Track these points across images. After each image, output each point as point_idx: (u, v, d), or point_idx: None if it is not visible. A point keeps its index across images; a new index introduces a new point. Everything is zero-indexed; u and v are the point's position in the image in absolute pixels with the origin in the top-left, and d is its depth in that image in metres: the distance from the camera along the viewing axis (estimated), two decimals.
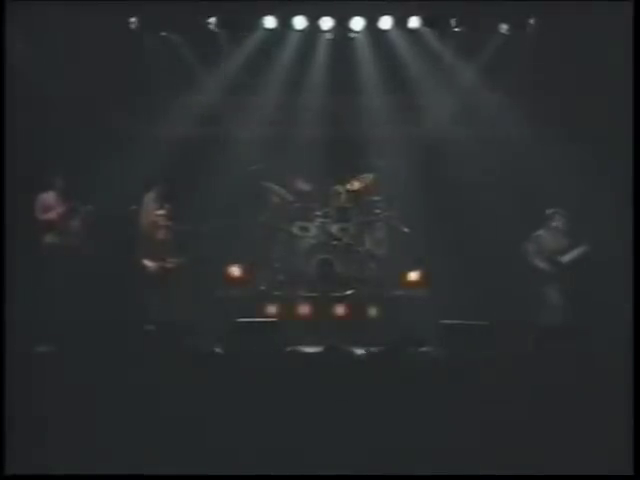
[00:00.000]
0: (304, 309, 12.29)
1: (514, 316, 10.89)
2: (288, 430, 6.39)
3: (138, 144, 12.27)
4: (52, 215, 11.18)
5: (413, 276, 12.79)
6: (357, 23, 12.38)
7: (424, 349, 7.66)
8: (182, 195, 12.02)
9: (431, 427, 6.42)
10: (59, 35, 11.61)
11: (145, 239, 11.48)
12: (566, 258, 11.32)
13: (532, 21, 12.14)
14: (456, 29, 12.29)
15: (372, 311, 12.24)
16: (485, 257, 12.36)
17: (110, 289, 11.29)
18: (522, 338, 8.77)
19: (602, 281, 11.44)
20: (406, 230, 12.69)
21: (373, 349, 7.37)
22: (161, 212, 11.53)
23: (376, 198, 12.97)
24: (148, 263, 11.33)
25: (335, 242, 12.78)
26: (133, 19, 12.01)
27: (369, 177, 13.06)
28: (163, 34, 12.33)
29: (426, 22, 12.36)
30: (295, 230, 12.90)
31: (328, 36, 12.62)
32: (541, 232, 11.48)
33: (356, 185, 13.12)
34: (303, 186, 13.10)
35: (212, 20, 12.19)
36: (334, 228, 12.86)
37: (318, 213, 12.95)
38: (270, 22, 12.33)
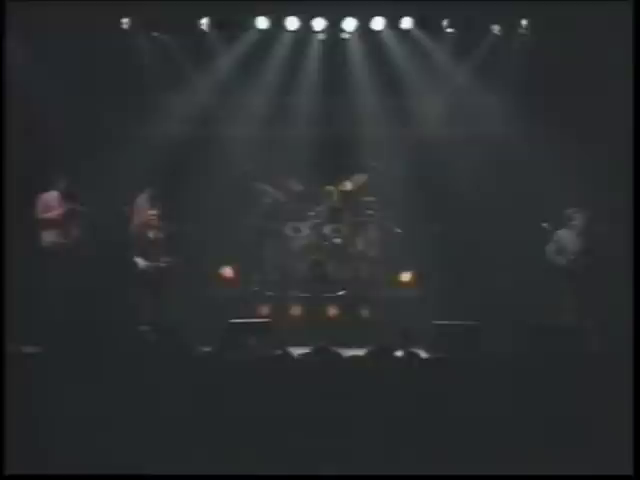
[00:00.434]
0: (296, 310, 12.34)
1: (506, 316, 10.96)
2: (281, 430, 6.42)
3: (130, 145, 12.27)
4: (53, 215, 11.19)
5: (405, 277, 12.83)
6: (349, 24, 12.41)
7: (415, 349, 7.69)
8: (174, 196, 12.04)
9: (422, 426, 6.45)
10: (51, 35, 11.62)
11: (138, 239, 11.50)
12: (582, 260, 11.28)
13: (524, 22, 12.20)
14: (448, 30, 12.32)
15: (364, 312, 12.29)
16: (477, 257, 12.41)
17: (104, 289, 11.32)
18: (514, 338, 8.83)
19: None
20: (398, 231, 12.74)
21: (365, 349, 7.40)
22: (153, 212, 11.55)
23: (368, 199, 13.01)
24: (141, 262, 11.35)
25: (327, 243, 12.81)
26: (125, 19, 12.02)
27: (362, 178, 13.10)
28: (155, 34, 12.35)
29: (418, 23, 12.39)
30: (287, 230, 12.93)
31: (320, 37, 12.63)
32: (562, 231, 11.43)
33: (348, 186, 13.15)
34: (295, 186, 13.14)
35: (204, 21, 12.21)
36: (326, 229, 12.90)
37: (310, 213, 13.00)
38: (262, 23, 12.35)
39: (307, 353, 7.33)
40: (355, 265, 12.83)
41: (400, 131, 13.05)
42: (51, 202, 11.26)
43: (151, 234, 11.53)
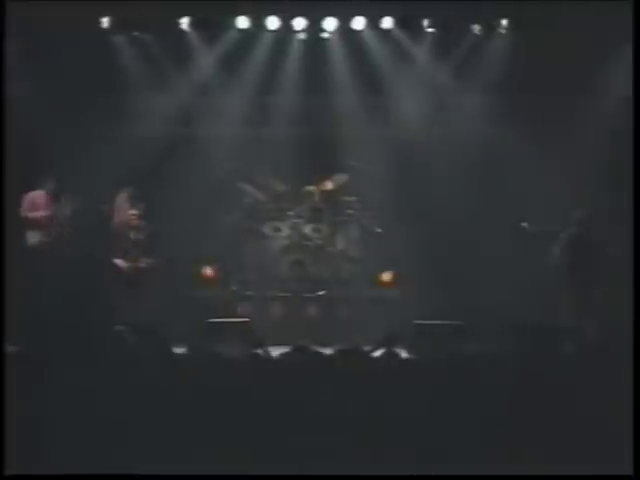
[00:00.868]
0: (276, 309, 12.36)
1: (487, 316, 11.01)
2: (261, 430, 6.43)
3: (110, 144, 12.28)
4: (39, 215, 11.17)
5: (385, 277, 12.86)
6: (330, 24, 12.44)
7: (395, 349, 7.72)
8: (154, 195, 12.05)
9: (403, 427, 6.48)
10: (30, 35, 11.61)
11: (117, 239, 11.50)
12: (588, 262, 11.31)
13: (504, 22, 12.25)
14: (428, 30, 12.36)
15: (344, 311, 12.32)
16: (458, 258, 12.46)
17: (84, 289, 11.30)
18: (495, 338, 8.87)
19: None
20: (379, 231, 12.78)
21: (343, 349, 7.43)
22: (133, 212, 11.55)
23: (349, 198, 13.02)
24: (120, 263, 11.35)
25: (308, 242, 12.83)
26: (105, 19, 12.02)
27: (342, 177, 13.12)
28: (135, 34, 12.35)
29: (399, 23, 12.42)
30: (267, 230, 12.94)
31: (301, 36, 12.66)
32: (567, 232, 11.41)
33: (329, 185, 13.16)
34: (276, 186, 13.15)
35: (184, 20, 12.22)
36: (307, 228, 12.91)
37: (291, 213, 13.00)
38: (243, 22, 12.36)
39: (286, 352, 7.36)
40: (335, 265, 12.85)
41: (380, 131, 13.08)
42: (37, 201, 11.24)
43: (131, 234, 11.53)
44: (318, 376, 6.78)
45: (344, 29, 12.53)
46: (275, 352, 7.69)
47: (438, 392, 6.62)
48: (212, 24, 12.38)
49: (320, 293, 12.54)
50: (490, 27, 12.35)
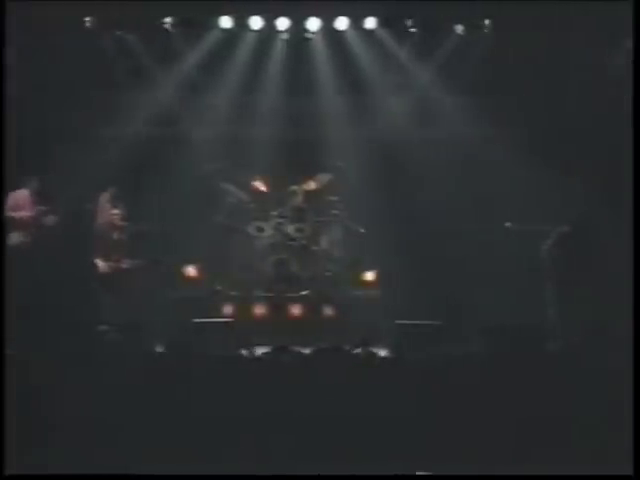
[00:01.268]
0: (260, 309, 12.37)
1: (469, 316, 11.05)
2: (245, 429, 6.47)
3: (94, 143, 12.28)
4: (22, 215, 11.15)
5: (368, 276, 12.89)
6: (313, 24, 12.45)
7: (372, 348, 7.76)
8: (137, 195, 12.05)
9: (385, 426, 6.51)
10: (13, 33, 11.58)
11: (100, 239, 11.49)
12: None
13: (487, 22, 12.29)
14: (412, 30, 12.39)
15: (327, 311, 12.35)
16: (440, 258, 12.51)
17: (65, 289, 11.29)
18: (477, 338, 8.91)
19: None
20: (362, 231, 12.81)
21: (323, 348, 7.46)
22: (116, 212, 11.55)
23: (332, 198, 13.04)
24: (102, 263, 11.34)
25: (291, 242, 12.84)
26: (88, 18, 12.01)
27: (325, 177, 13.14)
28: (118, 33, 12.34)
29: (382, 23, 12.44)
30: (251, 230, 12.95)
31: (284, 36, 12.68)
32: (561, 230, 11.42)
33: (312, 185, 13.17)
34: (259, 186, 13.17)
35: (168, 20, 12.22)
36: (290, 228, 12.92)
37: (274, 213, 13.01)
38: (226, 22, 12.37)
39: (267, 352, 7.40)
40: (319, 265, 12.88)
41: (364, 131, 13.12)
42: (21, 201, 11.22)
43: (114, 234, 11.53)
44: (299, 375, 6.83)
45: (327, 29, 12.52)
46: (258, 351, 7.74)
47: (420, 392, 6.67)
48: (195, 24, 12.38)
49: (303, 293, 12.56)
50: (473, 27, 12.35)
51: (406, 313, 10.99)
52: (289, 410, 6.54)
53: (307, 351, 7.57)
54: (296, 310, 12.31)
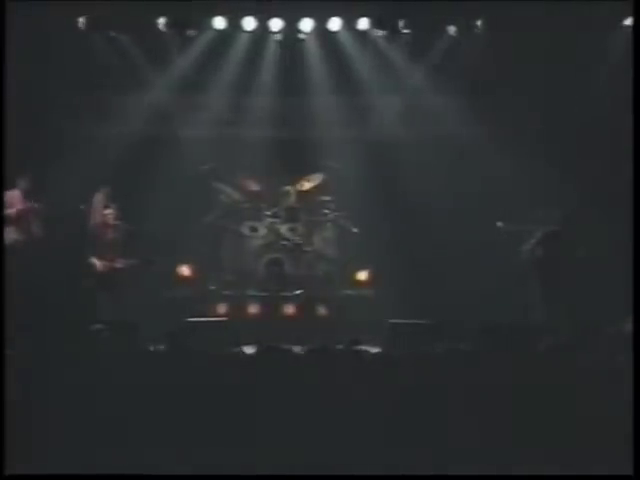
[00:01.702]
0: (253, 308, 12.37)
1: (462, 315, 11.04)
2: (238, 428, 6.45)
3: (87, 144, 12.25)
4: (12, 212, 11.12)
5: (361, 276, 12.90)
6: (306, 24, 12.43)
7: (362, 347, 7.74)
8: (131, 195, 12.02)
9: (379, 425, 6.50)
10: (9, 34, 11.54)
11: (94, 239, 11.46)
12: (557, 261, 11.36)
13: (479, 22, 12.28)
14: (404, 31, 12.36)
15: (321, 310, 12.34)
16: (433, 257, 12.51)
17: (60, 288, 11.27)
18: (469, 336, 8.90)
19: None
20: (355, 230, 12.81)
21: (314, 347, 7.44)
22: (110, 212, 11.52)
23: (325, 198, 13.06)
24: (97, 262, 11.32)
25: (284, 242, 12.84)
26: (81, 19, 11.98)
27: (318, 177, 13.16)
28: (112, 34, 12.30)
29: (375, 24, 12.43)
30: (244, 230, 12.95)
31: (277, 37, 12.64)
32: (542, 231, 11.45)
33: (306, 185, 13.19)
34: (253, 186, 13.17)
35: (161, 20, 12.20)
36: (283, 228, 12.92)
37: (267, 213, 13.01)
38: (219, 23, 12.36)
39: (258, 351, 7.38)
40: (312, 264, 12.88)
41: (357, 131, 13.12)
42: (12, 200, 11.18)
43: (108, 233, 11.50)
44: (291, 374, 6.82)
45: (320, 30, 12.50)
46: (249, 350, 7.72)
47: (412, 390, 6.66)
48: (189, 25, 12.37)
49: (297, 292, 12.55)
50: (466, 28, 12.35)
51: (399, 312, 10.98)
52: (282, 408, 6.53)
53: (300, 350, 7.56)
54: (289, 309, 12.30)
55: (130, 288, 11.43)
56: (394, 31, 12.43)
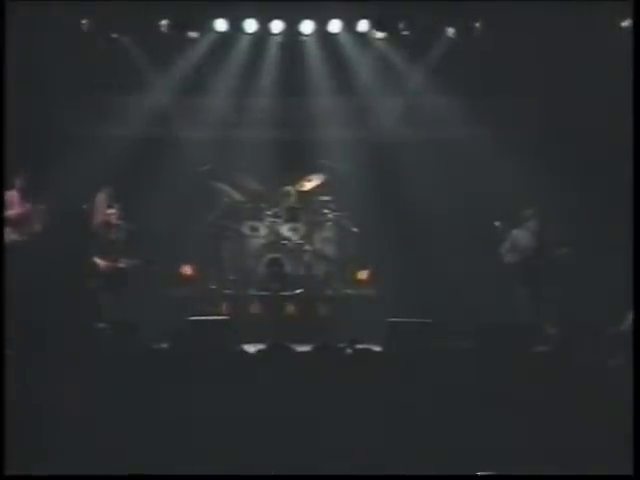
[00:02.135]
0: (254, 308, 12.35)
1: (461, 314, 11.04)
2: (240, 426, 6.43)
3: (89, 144, 12.24)
4: (11, 213, 11.07)
5: (362, 275, 12.87)
6: (307, 26, 12.42)
7: (361, 346, 7.72)
8: (133, 195, 11.99)
9: (379, 424, 6.48)
10: (9, 34, 11.50)
11: (97, 238, 11.44)
12: (539, 260, 11.34)
13: (479, 23, 12.24)
14: (404, 32, 12.33)
15: (321, 309, 12.32)
16: (432, 256, 12.50)
17: (63, 288, 11.25)
18: (469, 335, 8.89)
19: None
20: (355, 230, 12.79)
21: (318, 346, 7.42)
22: (112, 211, 11.49)
23: (325, 198, 13.02)
24: (99, 262, 11.29)
25: (285, 242, 12.81)
26: (84, 20, 11.95)
27: (319, 178, 13.13)
28: (114, 36, 12.29)
29: (374, 25, 12.42)
30: (245, 230, 12.92)
31: (278, 39, 12.64)
32: (516, 230, 11.45)
33: (306, 186, 13.16)
34: (253, 186, 13.15)
35: (163, 22, 12.17)
36: (284, 228, 12.89)
37: (268, 213, 12.98)
38: (221, 25, 12.34)
39: (262, 349, 7.36)
40: (312, 264, 12.85)
41: (357, 132, 13.10)
42: (12, 200, 11.14)
43: (110, 233, 11.48)
44: (293, 373, 6.80)
45: (321, 32, 12.50)
46: (252, 349, 7.70)
47: (413, 389, 6.64)
48: (191, 26, 12.35)
49: (297, 291, 12.53)
50: (465, 29, 12.33)
51: (399, 311, 10.95)
52: (283, 407, 6.51)
53: (302, 349, 7.53)
54: (290, 308, 12.28)
55: (132, 288, 11.40)
56: (394, 33, 12.41)
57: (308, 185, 13.15)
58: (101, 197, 11.55)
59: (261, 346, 7.47)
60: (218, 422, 6.45)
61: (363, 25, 12.39)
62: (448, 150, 12.64)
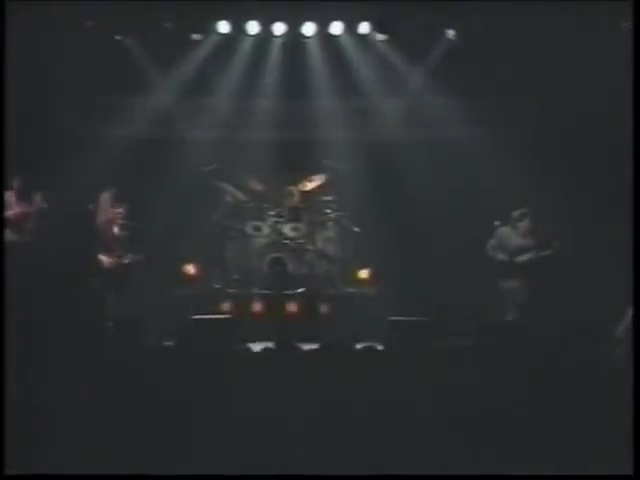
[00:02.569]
0: (257, 306, 12.31)
1: (462, 313, 11.01)
2: (241, 426, 6.39)
3: (94, 144, 12.22)
4: (8, 214, 11.02)
5: (363, 274, 12.86)
6: (309, 28, 12.40)
7: (362, 345, 7.69)
8: (137, 195, 11.96)
9: (380, 424, 6.45)
10: (14, 34, 11.45)
11: (101, 237, 11.40)
12: (523, 258, 11.30)
13: (479, 25, 12.19)
14: (404, 33, 12.31)
15: (323, 308, 12.29)
16: (433, 255, 12.47)
17: (66, 287, 11.22)
18: (469, 334, 8.86)
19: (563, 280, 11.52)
20: (356, 229, 12.77)
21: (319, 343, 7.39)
22: (117, 211, 11.45)
23: (327, 198, 13.00)
24: (104, 259, 11.27)
25: (287, 241, 12.78)
26: (88, 20, 11.91)
27: (321, 178, 13.12)
28: (118, 37, 12.26)
29: (375, 27, 12.39)
30: (248, 229, 12.91)
31: (280, 41, 12.62)
32: (504, 229, 11.40)
33: (308, 186, 13.16)
34: (256, 187, 13.14)
35: (167, 24, 12.14)
36: (286, 228, 12.87)
37: (271, 213, 12.96)
38: (224, 27, 12.32)
39: (268, 348, 7.32)
40: (314, 263, 12.83)
41: (358, 133, 13.08)
42: (9, 200, 11.08)
43: (114, 231, 11.45)
44: (296, 371, 6.77)
45: (322, 34, 12.49)
46: (258, 347, 7.66)
47: (414, 388, 6.61)
48: (194, 29, 12.33)
49: (299, 290, 12.50)
50: (465, 29, 12.29)
51: (400, 310, 10.92)
52: (285, 406, 6.47)
53: (309, 347, 7.50)
54: (292, 307, 12.25)
55: (136, 286, 11.38)
56: (394, 34, 12.38)
57: (310, 185, 13.15)
58: (105, 197, 11.51)
59: (267, 344, 7.43)
60: (224, 421, 6.41)
61: (364, 27, 12.38)
62: (448, 150, 12.61)
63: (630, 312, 8.00)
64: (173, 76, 12.73)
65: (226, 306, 12.16)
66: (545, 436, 6.26)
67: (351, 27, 12.43)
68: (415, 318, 10.01)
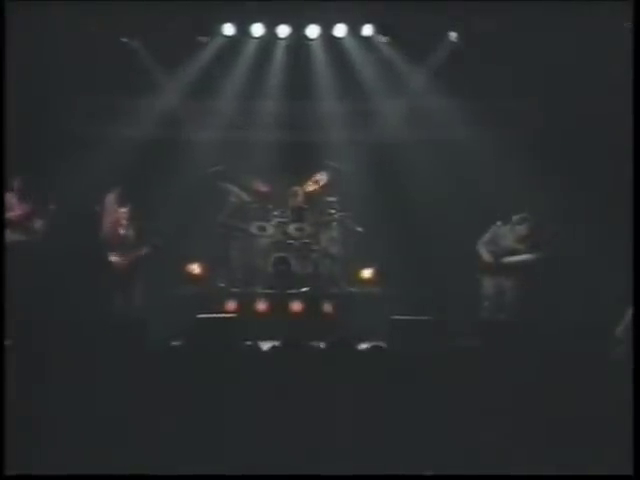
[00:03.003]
0: (262, 305, 12.28)
1: (463, 312, 10.97)
2: (247, 425, 6.36)
3: (100, 145, 12.20)
4: (10, 216, 10.97)
5: (366, 274, 12.82)
6: (312, 31, 12.36)
7: (365, 345, 7.65)
8: (142, 195, 11.93)
9: (383, 423, 6.41)
10: (19, 35, 11.43)
11: (107, 238, 11.38)
12: (510, 259, 11.25)
13: (480, 26, 12.13)
14: (407, 36, 12.25)
15: (327, 307, 12.27)
16: (435, 255, 12.43)
17: (72, 287, 11.22)
18: (473, 333, 8.82)
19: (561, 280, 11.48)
20: (360, 229, 12.73)
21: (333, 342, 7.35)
22: (122, 211, 11.43)
23: (331, 199, 12.97)
24: (111, 259, 11.25)
25: (291, 241, 12.77)
26: (95, 22, 11.87)
27: (324, 179, 13.09)
28: (124, 39, 12.24)
29: (379, 29, 12.36)
30: (253, 229, 12.89)
31: (285, 43, 12.59)
32: (502, 227, 11.36)
33: (312, 186, 13.14)
34: (261, 187, 13.12)
35: (172, 26, 12.11)
36: (291, 228, 12.84)
37: (275, 213, 12.95)
38: (229, 29, 12.29)
39: (276, 346, 7.29)
40: (318, 263, 12.80)
41: (361, 134, 13.06)
42: (9, 201, 11.03)
43: (121, 232, 11.43)
44: (297, 370, 6.73)
45: (326, 36, 12.46)
46: (265, 346, 7.62)
47: (417, 388, 6.57)
48: (200, 31, 12.30)
49: (303, 290, 12.46)
50: (466, 30, 12.24)
51: (403, 309, 10.88)
52: (288, 404, 6.44)
53: (316, 345, 7.47)
54: (296, 306, 12.22)
55: (141, 285, 11.35)
56: (397, 36, 12.34)
57: (314, 186, 13.13)
58: (111, 197, 11.49)
59: (274, 343, 7.40)
60: (225, 421, 6.37)
61: (367, 29, 12.35)
62: (450, 151, 12.58)
63: (630, 312, 7.94)
64: (179, 78, 12.72)
65: (231, 305, 12.12)
66: (545, 436, 6.22)
67: (354, 29, 12.40)
68: (418, 317, 9.98)
